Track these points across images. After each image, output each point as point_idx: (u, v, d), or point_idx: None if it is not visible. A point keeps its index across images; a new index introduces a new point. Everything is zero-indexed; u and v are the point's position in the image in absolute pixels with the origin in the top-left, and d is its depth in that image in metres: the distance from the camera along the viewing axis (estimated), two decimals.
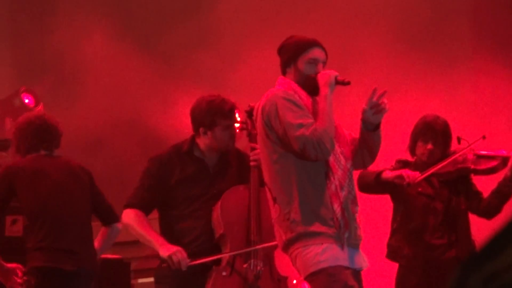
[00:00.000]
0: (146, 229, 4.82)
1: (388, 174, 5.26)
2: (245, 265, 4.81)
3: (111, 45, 9.07)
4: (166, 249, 4.68)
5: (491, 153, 5.36)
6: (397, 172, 5.23)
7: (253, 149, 4.89)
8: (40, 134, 5.26)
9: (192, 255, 4.70)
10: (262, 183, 4.48)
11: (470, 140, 5.32)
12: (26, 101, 8.39)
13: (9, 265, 5.11)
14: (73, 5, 9.50)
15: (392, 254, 5.43)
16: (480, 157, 5.35)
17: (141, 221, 4.84)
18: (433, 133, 5.36)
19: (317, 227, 4.09)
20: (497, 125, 6.79)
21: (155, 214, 5.01)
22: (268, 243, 4.75)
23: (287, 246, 4.16)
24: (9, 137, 7.54)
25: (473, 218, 5.46)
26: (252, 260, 4.81)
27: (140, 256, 8.35)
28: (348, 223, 4.14)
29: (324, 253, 4.06)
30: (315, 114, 4.17)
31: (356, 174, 4.57)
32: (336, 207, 4.12)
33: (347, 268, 4.10)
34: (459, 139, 5.32)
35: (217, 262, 4.82)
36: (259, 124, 4.27)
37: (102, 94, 9.07)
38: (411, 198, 5.37)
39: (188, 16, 8.95)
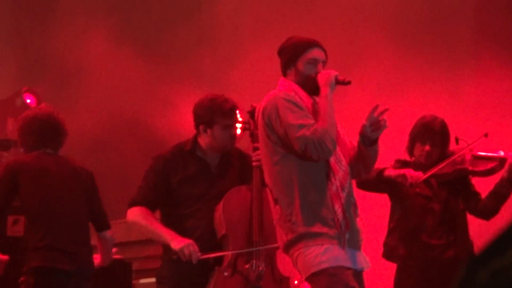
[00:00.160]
0: (154, 224, 4.83)
1: (390, 172, 5.27)
2: (246, 266, 4.81)
3: (112, 46, 9.08)
4: (178, 242, 4.68)
5: (489, 154, 5.36)
6: (400, 171, 5.23)
7: (255, 149, 4.89)
8: (48, 132, 5.25)
9: None
10: (264, 184, 4.49)
11: (469, 140, 5.33)
12: (28, 101, 8.40)
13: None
14: (74, 6, 9.51)
15: (388, 254, 5.44)
16: (478, 158, 5.35)
17: (148, 217, 4.84)
18: (431, 134, 5.36)
19: (318, 228, 4.10)
20: (500, 126, 6.79)
21: (156, 214, 5.01)
22: (270, 244, 4.75)
23: (288, 247, 4.16)
24: (11, 137, 7.55)
25: (471, 219, 5.47)
26: (254, 261, 4.82)
27: (142, 256, 8.36)
28: (349, 223, 4.15)
29: (325, 254, 4.06)
30: (316, 114, 4.18)
31: None
32: (337, 208, 4.12)
33: (348, 268, 4.11)
34: (457, 140, 5.32)
35: (219, 262, 4.83)
36: (260, 125, 4.28)
37: (102, 94, 9.09)
38: (408, 198, 5.37)
39: (188, 17, 8.95)
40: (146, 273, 8.18)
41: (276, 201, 4.20)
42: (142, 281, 8.46)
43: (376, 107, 4.19)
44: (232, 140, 4.96)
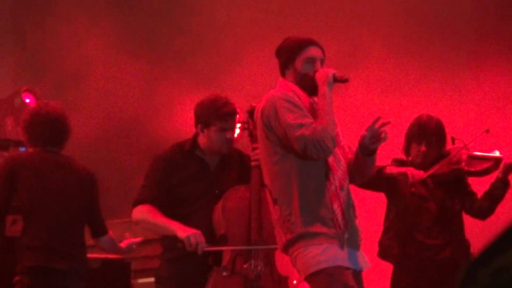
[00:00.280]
0: (159, 217, 4.82)
1: (392, 170, 5.26)
2: (245, 265, 4.81)
3: (111, 46, 9.08)
4: (184, 230, 4.68)
5: (485, 154, 5.36)
6: (402, 169, 5.23)
7: (254, 149, 4.89)
8: (57, 129, 5.22)
9: (193, 254, 4.70)
10: (263, 183, 4.49)
11: (467, 140, 5.33)
12: (27, 100, 8.38)
13: None
14: (74, 6, 9.51)
15: (383, 253, 5.44)
16: (474, 158, 5.35)
17: (153, 212, 4.84)
18: (426, 135, 5.35)
19: (317, 228, 4.09)
20: (502, 124, 6.79)
21: None
22: (269, 244, 4.75)
23: (287, 247, 4.16)
24: (10, 137, 7.53)
25: (467, 219, 5.46)
26: (252, 261, 4.81)
27: (141, 256, 8.35)
28: (348, 223, 4.15)
29: (324, 254, 4.06)
30: (315, 114, 4.17)
31: None
32: (336, 208, 4.12)
33: (347, 268, 4.10)
34: (453, 139, 5.32)
35: (218, 262, 4.83)
36: (259, 126, 4.27)
37: (101, 94, 9.08)
38: (405, 197, 5.37)
39: (187, 18, 8.95)
40: (145, 273, 8.17)
41: (275, 201, 4.20)
42: (141, 280, 8.45)
43: (378, 118, 4.17)
44: (228, 144, 4.94)
